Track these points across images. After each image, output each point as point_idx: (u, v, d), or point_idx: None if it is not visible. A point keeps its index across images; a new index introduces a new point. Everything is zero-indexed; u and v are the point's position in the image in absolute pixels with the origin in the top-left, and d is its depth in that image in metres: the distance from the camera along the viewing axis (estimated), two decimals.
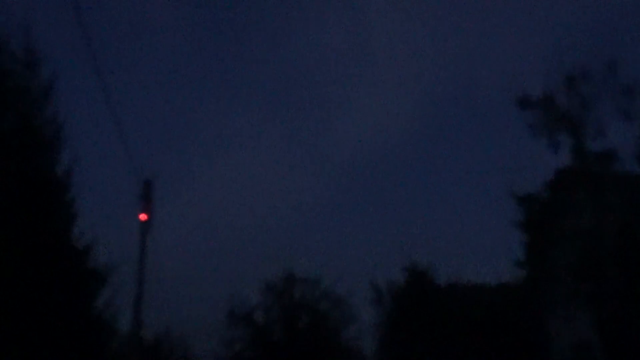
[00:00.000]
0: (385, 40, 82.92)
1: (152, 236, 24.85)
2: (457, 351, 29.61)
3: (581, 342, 21.85)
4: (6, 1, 18.46)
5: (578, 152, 19.61)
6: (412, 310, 33.50)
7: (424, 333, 31.70)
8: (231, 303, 46.25)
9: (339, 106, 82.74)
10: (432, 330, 31.27)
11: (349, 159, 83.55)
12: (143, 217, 23.99)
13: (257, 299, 47.02)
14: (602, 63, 19.92)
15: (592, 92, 19.80)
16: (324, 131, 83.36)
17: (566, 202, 19.26)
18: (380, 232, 75.64)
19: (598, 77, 20.06)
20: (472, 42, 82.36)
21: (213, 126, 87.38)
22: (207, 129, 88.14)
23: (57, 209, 18.44)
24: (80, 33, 15.84)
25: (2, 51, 18.55)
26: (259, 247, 72.88)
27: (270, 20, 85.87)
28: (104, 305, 21.18)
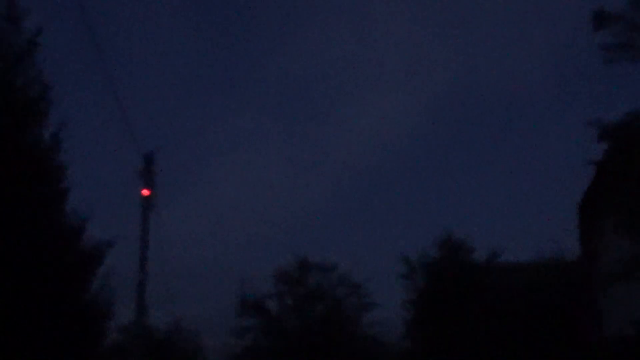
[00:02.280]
0: (392, 43, 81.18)
1: (157, 217, 22.76)
2: (497, 333, 27.18)
3: None
4: None
5: None
6: (446, 287, 30.89)
7: (459, 313, 29.16)
8: (242, 292, 44.10)
9: (348, 108, 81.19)
10: (469, 310, 28.75)
11: (361, 157, 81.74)
12: (145, 192, 21.95)
13: (270, 288, 44.84)
14: None
15: None
16: (333, 133, 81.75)
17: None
18: (407, 215, 73.25)
19: None
20: (479, 43, 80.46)
21: (222, 126, 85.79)
22: (217, 128, 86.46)
23: (44, 178, 16.21)
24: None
25: None
26: (271, 240, 70.90)
27: (277, 23, 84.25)
28: (99, 288, 18.92)
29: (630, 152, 16.92)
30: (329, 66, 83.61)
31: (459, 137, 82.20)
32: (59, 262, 16.73)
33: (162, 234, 23.01)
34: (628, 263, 16.73)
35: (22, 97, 16.37)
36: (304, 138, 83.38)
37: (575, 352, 25.28)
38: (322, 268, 44.29)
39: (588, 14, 16.92)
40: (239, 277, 44.48)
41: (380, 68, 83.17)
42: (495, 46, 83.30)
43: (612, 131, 16.77)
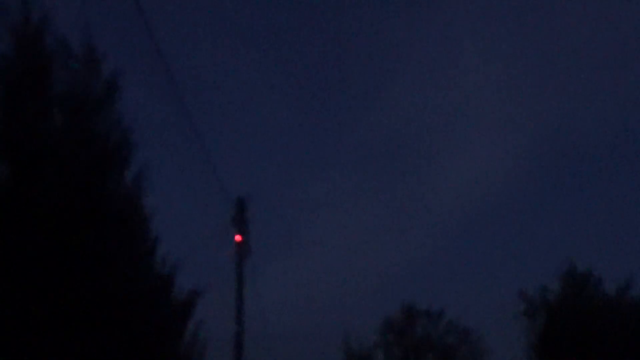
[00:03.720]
0: (486, 90, 79.25)
1: (251, 265, 21.64)
2: None
3: None
4: None
5: None
6: (571, 324, 27.76)
7: (587, 352, 26.18)
8: (347, 345, 42.40)
9: (445, 158, 79.25)
10: (598, 349, 25.78)
11: (461, 205, 79.35)
12: (238, 238, 20.87)
13: (376, 339, 43.05)
14: None
15: None
16: (430, 183, 79.85)
17: None
18: (518, 254, 69.61)
19: None
20: (575, 88, 77.68)
21: (317, 183, 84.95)
22: (312, 185, 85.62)
23: (130, 225, 15.31)
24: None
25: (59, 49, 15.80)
26: (377, 294, 68.58)
27: (368, 77, 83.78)
28: (191, 341, 17.71)
29: None
30: (421, 117, 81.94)
31: (557, 180, 78.60)
32: (153, 313, 15.74)
33: (259, 290, 21.91)
34: None
35: (103, 143, 15.58)
36: (402, 192, 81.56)
37: None
38: (429, 314, 42.32)
39: None
40: (343, 332, 42.81)
41: (474, 116, 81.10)
42: (590, 91, 79.92)
43: None
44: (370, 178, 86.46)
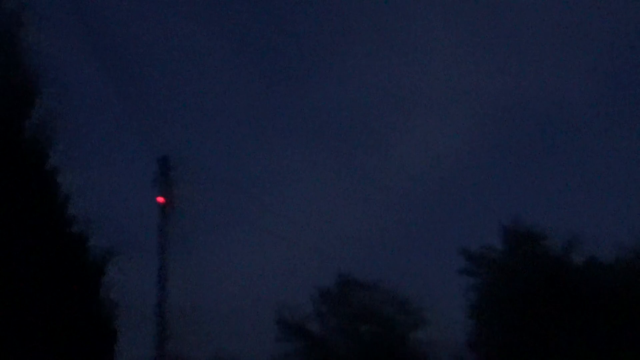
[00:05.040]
0: (437, 67, 79.06)
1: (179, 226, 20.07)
2: (587, 342, 23.38)
3: None
4: None
5: None
6: (517, 285, 26.55)
7: (537, 317, 25.11)
8: (280, 314, 41.27)
9: (393, 136, 78.70)
10: (548, 313, 24.74)
11: (412, 180, 78.91)
12: (160, 199, 19.29)
13: (310, 309, 42.01)
14: None
15: None
16: (380, 159, 79.28)
17: None
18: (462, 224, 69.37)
19: None
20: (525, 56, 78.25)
21: (266, 157, 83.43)
22: (261, 159, 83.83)
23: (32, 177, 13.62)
24: None
25: None
26: (320, 267, 67.42)
27: (318, 51, 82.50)
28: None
29: None
30: (370, 94, 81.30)
31: (505, 154, 78.91)
32: (61, 273, 14.21)
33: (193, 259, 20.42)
34: None
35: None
36: (352, 166, 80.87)
37: None
38: (366, 285, 41.44)
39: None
40: (277, 304, 41.60)
41: (426, 92, 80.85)
42: (534, 68, 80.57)
43: None
44: (319, 151, 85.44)
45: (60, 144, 14.90)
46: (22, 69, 13.84)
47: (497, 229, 29.57)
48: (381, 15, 78.78)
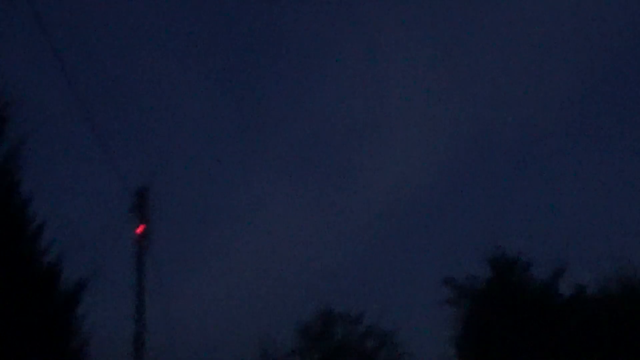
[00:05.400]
0: (409, 93, 79.35)
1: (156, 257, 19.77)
2: None
3: None
4: None
5: None
6: (501, 313, 26.20)
7: (520, 345, 24.78)
8: (263, 351, 40.74)
9: (368, 163, 78.59)
10: (532, 343, 24.48)
11: (383, 209, 78.66)
12: (139, 229, 19.02)
13: (293, 345, 41.52)
14: None
15: None
16: (351, 188, 79.05)
17: None
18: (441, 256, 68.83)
19: None
20: (495, 85, 79.11)
21: (241, 189, 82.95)
22: (236, 191, 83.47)
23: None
24: None
25: None
26: (298, 300, 66.55)
27: (286, 83, 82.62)
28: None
29: None
30: (345, 121, 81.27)
31: (480, 178, 79.06)
32: (34, 303, 13.80)
33: (171, 291, 19.99)
34: None
35: None
36: (323, 198, 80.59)
37: None
38: (347, 318, 41.09)
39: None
40: (259, 338, 41.07)
41: (397, 120, 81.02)
42: (508, 94, 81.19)
43: None
44: (293, 181, 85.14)
45: (32, 173, 14.63)
46: None
47: (481, 258, 29.27)
48: (352, 45, 79.34)
